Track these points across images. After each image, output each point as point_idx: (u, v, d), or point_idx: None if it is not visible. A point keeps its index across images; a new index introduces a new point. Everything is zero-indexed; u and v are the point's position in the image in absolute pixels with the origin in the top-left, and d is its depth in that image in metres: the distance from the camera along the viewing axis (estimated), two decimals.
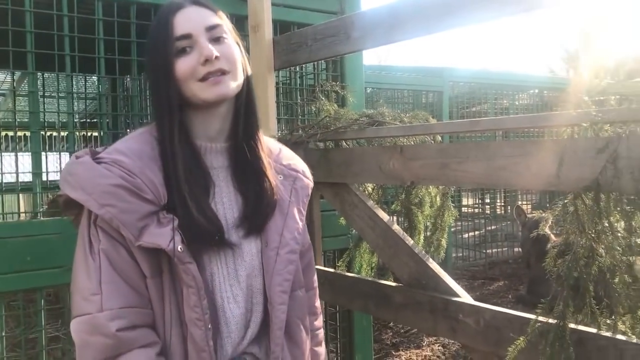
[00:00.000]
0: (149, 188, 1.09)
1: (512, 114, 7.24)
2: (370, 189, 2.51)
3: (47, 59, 2.34)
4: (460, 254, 7.41)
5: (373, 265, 2.49)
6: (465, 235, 7.58)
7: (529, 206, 7.94)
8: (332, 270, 2.46)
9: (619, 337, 1.50)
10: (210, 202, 1.20)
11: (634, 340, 1.48)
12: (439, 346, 4.56)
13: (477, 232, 7.77)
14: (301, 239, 1.31)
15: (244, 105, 1.25)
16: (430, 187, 2.30)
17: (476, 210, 8.53)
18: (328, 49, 2.29)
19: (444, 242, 2.21)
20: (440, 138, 2.30)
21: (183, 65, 1.15)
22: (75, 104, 4.99)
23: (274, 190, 1.26)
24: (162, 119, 1.17)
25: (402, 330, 4.93)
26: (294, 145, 2.49)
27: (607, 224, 1.51)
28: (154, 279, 1.12)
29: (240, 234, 1.22)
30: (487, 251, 7.27)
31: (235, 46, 1.22)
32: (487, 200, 8.46)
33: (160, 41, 1.16)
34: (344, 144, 2.45)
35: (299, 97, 3.07)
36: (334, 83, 2.69)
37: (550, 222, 4.38)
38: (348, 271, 2.55)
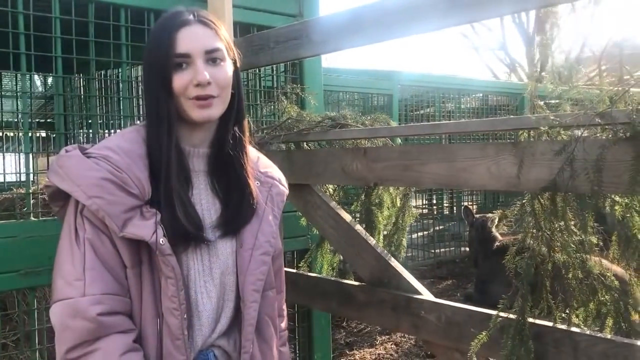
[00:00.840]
0: (134, 183, 1.16)
1: (458, 117, 7.45)
2: (331, 190, 2.55)
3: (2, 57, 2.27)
4: (410, 254, 7.55)
5: (334, 265, 2.53)
6: (414, 236, 7.73)
7: (475, 207, 8.17)
8: (294, 270, 2.48)
9: (574, 329, 1.59)
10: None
11: (588, 332, 1.57)
12: (391, 344, 4.65)
13: (425, 232, 7.94)
14: (275, 243, 1.38)
15: (233, 119, 1.32)
16: (391, 188, 2.35)
17: (424, 210, 8.71)
18: (290, 52, 2.32)
19: (404, 242, 2.27)
20: (399, 141, 2.36)
21: (178, 81, 1.21)
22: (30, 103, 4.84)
23: (253, 199, 1.33)
24: (159, 127, 1.22)
25: (355, 330, 5.00)
26: (256, 146, 2.50)
27: (562, 223, 1.60)
28: (134, 270, 1.19)
29: (217, 234, 1.29)
30: (435, 251, 7.44)
31: (229, 68, 1.28)
32: (434, 201, 8.65)
33: (162, 54, 1.21)
34: (305, 145, 2.48)
35: (258, 99, 3.08)
36: (294, 85, 2.71)
37: (496, 222, 4.55)
38: (309, 272, 2.58)
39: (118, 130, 2.44)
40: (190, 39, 1.21)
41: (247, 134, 1.38)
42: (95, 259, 1.15)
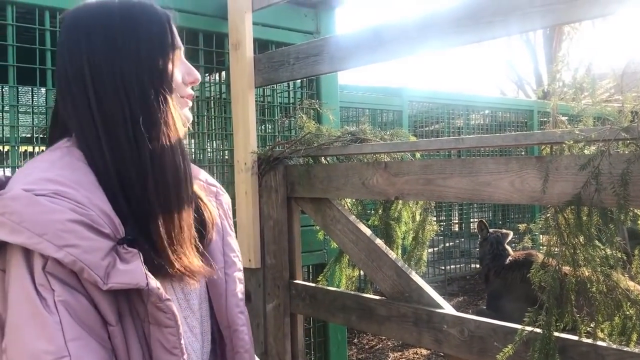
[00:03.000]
0: (103, 220, 0.92)
1: (467, 133, 7.47)
2: (349, 204, 2.56)
3: None
4: (419, 271, 7.53)
5: (353, 279, 2.54)
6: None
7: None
8: (313, 284, 2.49)
9: (600, 343, 1.60)
10: None
11: (614, 346, 1.57)
12: None
13: (434, 249, 7.92)
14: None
15: None
16: (410, 203, 2.37)
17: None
18: (310, 68, 2.35)
19: (424, 256, 2.28)
20: (418, 155, 2.38)
21: (176, 77, 1.06)
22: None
23: (210, 212, 1.16)
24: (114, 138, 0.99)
25: (367, 346, 4.98)
26: (274, 160, 2.53)
27: (587, 237, 1.61)
28: (117, 326, 0.95)
29: None
30: (445, 267, 7.43)
31: None
32: (443, 218, 8.65)
33: (165, 43, 1.03)
34: (324, 160, 2.50)
35: (277, 114, 3.11)
36: (313, 101, 2.74)
37: (510, 238, 4.55)
38: (327, 286, 2.58)
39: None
40: (177, 33, 1.08)
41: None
42: (76, 325, 0.88)
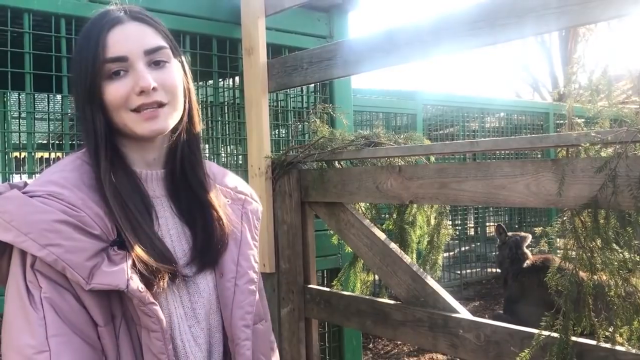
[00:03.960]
0: (95, 222, 0.95)
1: (482, 136, 7.43)
2: (363, 208, 2.56)
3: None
4: (434, 275, 7.48)
5: (368, 284, 2.53)
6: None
7: None
8: (327, 289, 2.48)
9: (618, 348, 1.57)
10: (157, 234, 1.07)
11: (633, 351, 1.54)
12: None
13: (450, 253, 7.87)
14: (257, 268, 1.20)
15: (185, 131, 1.13)
16: (425, 207, 2.35)
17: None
18: (324, 72, 2.35)
19: (439, 261, 2.26)
20: (433, 159, 2.37)
21: (114, 92, 1.01)
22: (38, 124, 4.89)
23: (223, 221, 1.14)
24: (93, 147, 1.03)
25: (382, 352, 4.96)
26: (288, 165, 2.53)
27: (604, 240, 1.59)
28: (107, 327, 0.97)
29: (194, 269, 1.10)
30: (461, 272, 7.37)
31: (177, 71, 1.09)
32: (458, 222, 8.60)
33: (88, 61, 1.01)
34: (337, 164, 2.50)
35: (290, 119, 3.12)
36: (326, 105, 2.74)
37: (529, 241, 4.50)
38: (342, 290, 2.58)
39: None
40: (124, 39, 1.01)
41: (200, 147, 1.18)
42: (60, 322, 0.91)
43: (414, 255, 2.44)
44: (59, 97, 3.42)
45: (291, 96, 3.19)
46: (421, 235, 2.44)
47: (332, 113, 2.70)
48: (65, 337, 0.91)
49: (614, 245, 1.61)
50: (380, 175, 2.13)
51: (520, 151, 6.95)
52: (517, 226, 8.18)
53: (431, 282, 2.06)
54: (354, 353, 3.08)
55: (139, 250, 0.97)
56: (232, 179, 1.26)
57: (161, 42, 1.05)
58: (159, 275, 0.99)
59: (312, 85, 3.12)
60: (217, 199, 1.16)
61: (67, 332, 0.92)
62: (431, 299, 2.04)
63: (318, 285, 2.92)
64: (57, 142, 5.17)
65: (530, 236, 4.59)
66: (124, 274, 0.93)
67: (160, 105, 1.03)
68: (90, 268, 0.92)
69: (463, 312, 1.97)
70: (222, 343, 1.13)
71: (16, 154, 4.62)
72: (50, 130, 4.43)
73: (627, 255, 1.58)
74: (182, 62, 1.12)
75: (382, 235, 2.22)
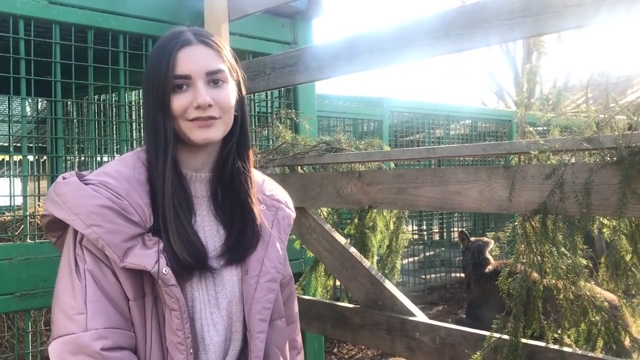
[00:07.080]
0: (135, 210, 1.12)
1: (447, 143, 7.54)
2: (325, 213, 2.58)
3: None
4: (400, 280, 7.55)
5: (328, 288, 2.55)
6: (405, 261, 7.74)
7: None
8: None
9: (566, 349, 1.63)
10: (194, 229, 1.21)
11: (580, 352, 1.60)
12: None
13: (415, 258, 7.95)
14: (282, 269, 1.31)
15: (236, 143, 1.27)
16: (384, 212, 2.39)
17: (415, 236, 8.75)
18: (286, 78, 2.37)
19: (398, 265, 2.30)
20: (393, 165, 2.41)
21: (177, 103, 1.16)
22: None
23: (259, 224, 1.27)
24: (157, 149, 1.18)
25: (347, 356, 4.98)
26: (260, 169, 2.54)
27: (553, 244, 1.65)
28: (137, 302, 1.13)
29: (222, 263, 1.23)
30: (426, 277, 7.45)
31: (232, 90, 1.23)
32: (424, 227, 8.69)
33: (161, 75, 1.16)
34: (300, 169, 2.52)
35: (254, 124, 3.13)
36: (289, 111, 2.76)
37: (491, 246, 4.58)
38: (303, 294, 2.59)
39: (116, 155, 2.43)
40: (190, 60, 1.17)
41: (251, 157, 1.32)
42: (97, 291, 1.09)
43: (375, 260, 2.47)
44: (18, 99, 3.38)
45: (255, 101, 3.20)
46: (382, 239, 2.48)
47: (295, 119, 2.72)
48: (100, 303, 1.09)
49: (563, 249, 1.66)
50: (341, 180, 2.16)
51: (479, 158, 7.09)
52: (480, 232, 8.31)
53: (389, 286, 2.10)
54: (316, 356, 3.10)
55: (172, 240, 1.13)
56: (270, 186, 1.40)
57: (221, 65, 1.20)
58: (188, 263, 1.14)
59: (277, 90, 3.13)
60: (257, 205, 1.29)
61: (102, 300, 1.09)
62: (389, 302, 2.07)
63: None
64: (16, 144, 5.08)
65: (492, 242, 4.68)
66: (152, 257, 1.09)
67: (213, 118, 1.19)
68: (125, 249, 1.09)
69: (420, 316, 2.01)
70: (242, 333, 1.26)
71: None
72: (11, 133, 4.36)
73: (574, 260, 1.64)
74: (238, 81, 1.27)
75: (343, 240, 2.25)
